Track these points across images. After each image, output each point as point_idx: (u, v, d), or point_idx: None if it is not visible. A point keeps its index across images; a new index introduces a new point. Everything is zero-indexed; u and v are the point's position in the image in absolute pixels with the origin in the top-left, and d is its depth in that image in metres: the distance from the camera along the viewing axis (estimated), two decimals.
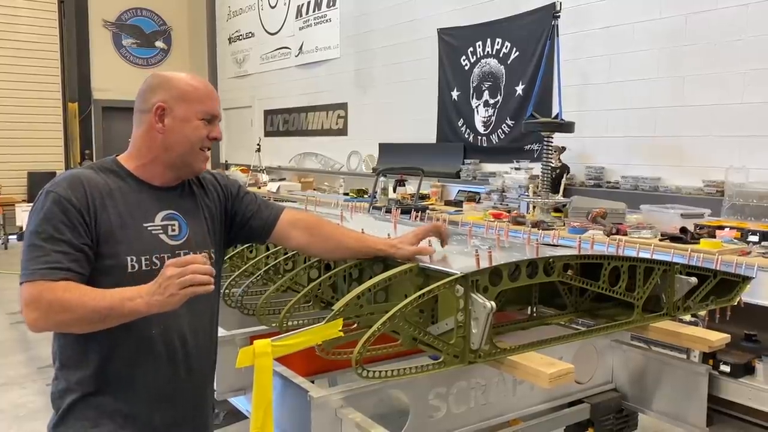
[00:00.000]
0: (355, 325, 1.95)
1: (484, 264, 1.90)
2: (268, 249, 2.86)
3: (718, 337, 2.18)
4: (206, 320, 1.85)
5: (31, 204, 1.71)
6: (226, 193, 1.95)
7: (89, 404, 1.68)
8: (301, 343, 1.80)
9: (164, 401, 1.74)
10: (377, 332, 1.75)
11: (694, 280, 2.33)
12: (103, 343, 1.65)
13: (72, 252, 1.57)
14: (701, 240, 4.04)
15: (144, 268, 1.67)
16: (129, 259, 1.65)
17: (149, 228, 1.72)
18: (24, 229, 1.68)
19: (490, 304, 1.80)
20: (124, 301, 1.50)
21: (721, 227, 4.26)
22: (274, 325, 2.28)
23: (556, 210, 5.40)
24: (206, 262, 1.55)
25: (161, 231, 1.73)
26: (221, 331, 2.39)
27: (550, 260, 2.06)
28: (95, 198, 1.64)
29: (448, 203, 6.91)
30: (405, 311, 1.81)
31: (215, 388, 2.36)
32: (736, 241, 4.07)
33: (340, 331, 1.85)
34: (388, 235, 2.33)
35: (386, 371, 1.80)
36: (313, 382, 2.23)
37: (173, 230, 1.75)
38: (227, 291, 2.49)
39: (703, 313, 2.51)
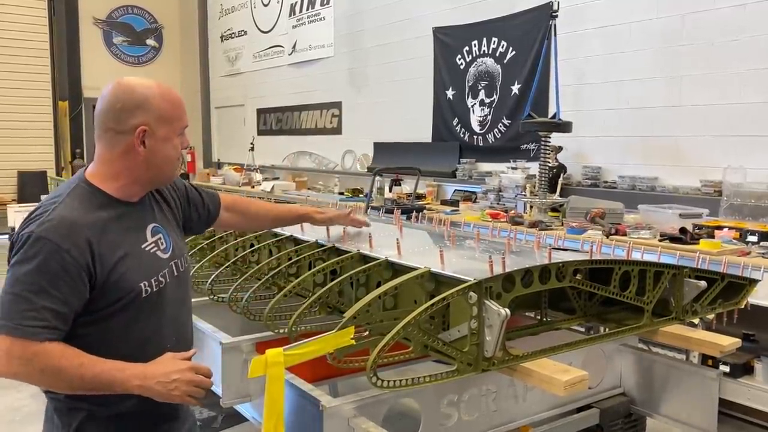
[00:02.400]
0: (367, 333, 1.93)
1: (498, 270, 1.88)
2: (271, 254, 2.82)
3: (729, 342, 2.17)
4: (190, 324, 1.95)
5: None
6: (178, 193, 1.97)
7: (101, 419, 1.68)
8: (313, 352, 1.78)
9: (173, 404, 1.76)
10: (392, 341, 1.73)
11: (703, 283, 2.32)
12: (122, 359, 1.64)
13: (61, 309, 1.53)
14: (700, 240, 4.04)
15: (155, 289, 1.69)
16: (143, 285, 1.66)
17: (146, 248, 1.72)
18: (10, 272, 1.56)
19: (505, 312, 1.78)
20: (121, 381, 1.55)
21: (720, 227, 4.27)
22: (280, 331, 2.25)
23: (554, 210, 5.39)
24: (212, 376, 1.67)
25: (155, 247, 1.74)
26: (226, 338, 2.38)
27: (562, 265, 2.04)
28: (98, 240, 1.59)
29: (443, 203, 6.90)
30: (419, 319, 1.78)
31: (220, 395, 2.35)
32: (735, 241, 4.07)
33: (351, 339, 1.83)
34: (397, 241, 2.30)
35: (400, 380, 1.77)
36: None
37: (162, 244, 1.77)
38: (233, 296, 2.46)
39: (711, 316, 2.50)
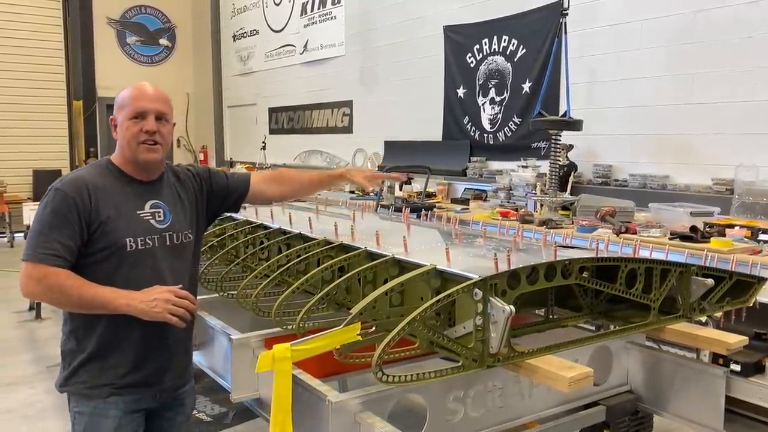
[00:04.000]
0: (373, 329, 1.95)
1: (503, 267, 1.89)
2: (280, 251, 2.85)
3: (736, 340, 2.17)
4: (190, 288, 2.22)
5: (37, 203, 2.15)
6: (200, 179, 2.33)
7: (95, 362, 2.05)
8: (320, 347, 1.81)
9: (156, 352, 2.12)
10: (397, 336, 1.75)
11: (710, 281, 2.32)
12: (111, 316, 2.00)
13: (67, 243, 1.95)
14: (711, 239, 4.02)
15: (140, 247, 2.06)
16: (128, 240, 2.03)
17: (141, 214, 2.10)
18: (33, 217, 2.07)
19: (509, 308, 1.79)
20: (111, 300, 1.94)
21: (731, 226, 4.24)
22: (289, 327, 2.28)
23: (564, 208, 5.38)
24: (195, 303, 2.06)
25: (150, 217, 2.11)
26: (236, 334, 2.42)
27: (567, 263, 2.05)
28: (96, 195, 2.01)
29: (454, 201, 6.90)
30: (425, 315, 1.80)
31: (230, 390, 2.38)
32: (746, 239, 4.04)
33: (358, 334, 1.85)
34: (404, 238, 2.32)
35: (405, 375, 1.79)
36: None
37: (159, 216, 2.14)
38: (242, 292, 2.49)
39: (719, 314, 2.49)
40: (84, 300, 1.93)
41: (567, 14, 5.60)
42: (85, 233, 1.98)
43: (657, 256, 2.55)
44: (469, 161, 7.24)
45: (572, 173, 5.71)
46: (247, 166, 11.21)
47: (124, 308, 1.94)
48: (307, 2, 10.30)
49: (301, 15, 10.49)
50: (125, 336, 2.04)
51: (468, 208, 6.13)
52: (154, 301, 1.94)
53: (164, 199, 2.17)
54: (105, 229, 2.00)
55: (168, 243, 2.13)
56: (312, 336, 1.82)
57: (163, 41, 14.05)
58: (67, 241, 1.95)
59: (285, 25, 11.00)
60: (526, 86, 6.59)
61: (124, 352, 2.06)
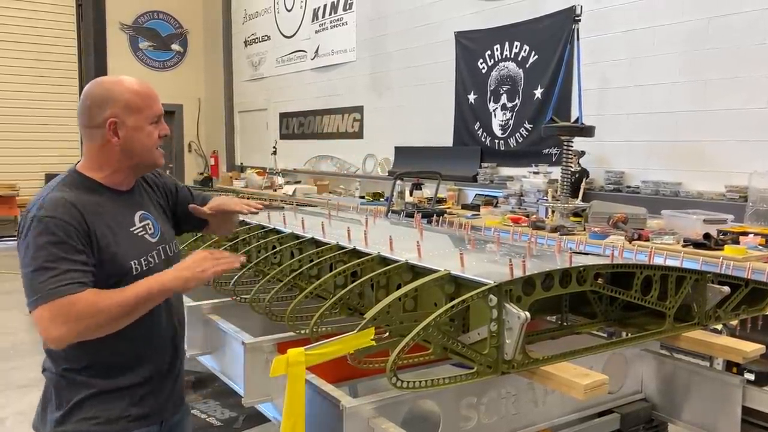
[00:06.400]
0: (387, 334, 1.94)
1: (518, 273, 1.88)
2: (292, 256, 2.85)
3: (752, 348, 2.15)
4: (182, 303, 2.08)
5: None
6: (168, 190, 2.11)
7: (105, 394, 1.79)
8: (334, 352, 1.80)
9: (163, 379, 1.92)
10: (412, 342, 1.74)
11: (726, 289, 2.30)
12: (110, 341, 1.72)
13: (82, 269, 1.65)
14: (725, 246, 4.00)
15: (144, 268, 1.82)
16: (132, 263, 1.79)
17: (134, 231, 1.86)
18: (23, 255, 1.68)
19: (525, 315, 1.78)
20: (152, 286, 1.68)
21: (745, 233, 4.21)
22: (302, 331, 2.28)
23: (576, 215, 5.36)
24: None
25: (143, 231, 1.88)
26: (249, 338, 2.42)
27: (582, 269, 2.04)
28: (90, 218, 1.72)
29: (465, 207, 6.89)
30: (439, 320, 1.79)
31: (242, 394, 2.39)
32: (761, 247, 4.02)
33: (372, 339, 1.85)
34: (417, 243, 2.31)
35: (420, 381, 1.78)
36: None
37: (150, 229, 1.91)
38: (255, 296, 2.49)
39: (734, 322, 2.47)
40: (125, 304, 1.65)
41: (579, 20, 5.59)
42: (90, 257, 1.70)
43: (671, 263, 2.53)
44: (480, 167, 7.23)
45: (584, 179, 5.69)
46: (257, 171, 11.25)
47: (172, 282, 1.71)
48: (319, 8, 10.34)
49: (313, 21, 10.53)
50: (133, 364, 1.83)
51: (479, 214, 6.12)
52: (194, 263, 1.74)
53: (147, 208, 1.95)
54: (104, 255, 1.73)
55: (164, 257, 1.91)
56: (326, 341, 1.81)
57: (175, 47, 14.15)
58: (81, 267, 1.65)
59: (296, 31, 11.05)
60: (538, 92, 6.57)
61: (136, 374, 1.84)
